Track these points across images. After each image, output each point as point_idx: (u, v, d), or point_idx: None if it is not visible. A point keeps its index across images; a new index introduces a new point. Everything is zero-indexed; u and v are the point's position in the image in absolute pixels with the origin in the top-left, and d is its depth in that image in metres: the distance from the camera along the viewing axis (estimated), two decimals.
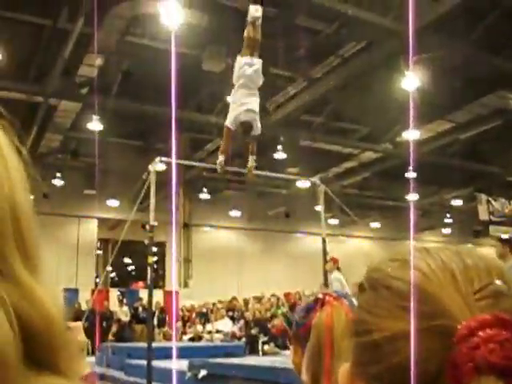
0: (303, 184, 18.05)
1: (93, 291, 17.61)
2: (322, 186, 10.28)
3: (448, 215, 27.38)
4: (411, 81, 12.49)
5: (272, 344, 14.44)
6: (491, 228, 19.15)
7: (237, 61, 7.51)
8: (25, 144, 0.52)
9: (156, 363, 8.73)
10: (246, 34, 7.49)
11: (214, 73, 13.90)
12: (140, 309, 18.13)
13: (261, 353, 14.20)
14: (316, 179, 10.49)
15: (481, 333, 0.49)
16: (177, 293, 19.91)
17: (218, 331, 16.21)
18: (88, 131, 16.06)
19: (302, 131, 17.99)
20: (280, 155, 18.30)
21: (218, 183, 22.00)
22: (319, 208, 10.84)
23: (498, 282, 0.54)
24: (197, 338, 16.45)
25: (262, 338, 14.79)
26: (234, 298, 18.75)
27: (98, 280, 21.93)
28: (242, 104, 7.34)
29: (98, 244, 23.98)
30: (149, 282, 8.62)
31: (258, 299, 18.21)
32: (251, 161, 8.01)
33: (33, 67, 14.11)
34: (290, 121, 16.37)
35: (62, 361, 0.47)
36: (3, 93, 13.53)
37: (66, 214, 21.03)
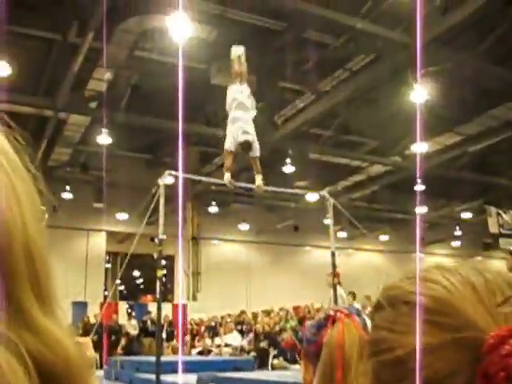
0: (312, 197, 18.02)
1: (101, 304, 17.60)
2: (330, 200, 10.24)
3: (457, 228, 27.22)
4: (419, 94, 12.49)
5: (281, 358, 14.35)
6: (501, 241, 18.99)
7: (228, 89, 8.17)
8: (35, 158, 0.51)
9: (164, 377, 8.68)
10: (232, 69, 8.25)
11: (222, 86, 13.90)
12: (149, 322, 18.08)
13: (270, 367, 14.13)
14: (325, 192, 10.44)
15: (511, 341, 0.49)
16: (185, 306, 19.87)
17: (226, 345, 16.15)
18: (97, 145, 16.16)
19: (310, 144, 17.99)
20: (288, 168, 18.33)
21: (227, 196, 21.99)
22: (328, 221, 10.80)
23: None
24: (206, 351, 16.39)
25: (273, 352, 14.72)
26: (243, 312, 18.70)
27: (106, 293, 21.95)
28: (238, 127, 7.78)
29: (107, 257, 24.00)
30: (157, 295, 8.59)
31: (267, 313, 18.14)
32: (258, 180, 8.20)
33: (43, 81, 14.22)
34: (298, 134, 16.38)
35: None
36: (14, 107, 13.62)
37: (75, 227, 21.10)
